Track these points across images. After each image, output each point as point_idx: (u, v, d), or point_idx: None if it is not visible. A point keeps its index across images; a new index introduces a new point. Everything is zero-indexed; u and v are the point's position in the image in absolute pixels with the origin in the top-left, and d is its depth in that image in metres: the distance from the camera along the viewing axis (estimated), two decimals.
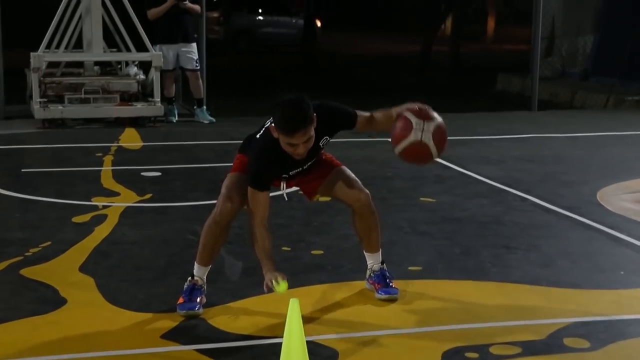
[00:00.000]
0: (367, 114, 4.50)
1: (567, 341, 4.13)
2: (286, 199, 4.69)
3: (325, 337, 4.11)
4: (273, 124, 4.17)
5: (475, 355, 3.94)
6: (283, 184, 4.53)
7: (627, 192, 7.23)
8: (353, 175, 4.63)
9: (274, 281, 4.02)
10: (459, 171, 8.05)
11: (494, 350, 4.01)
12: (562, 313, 4.50)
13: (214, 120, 10.90)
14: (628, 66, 13.51)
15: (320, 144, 4.37)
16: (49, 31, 10.39)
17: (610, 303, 4.67)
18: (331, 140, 4.43)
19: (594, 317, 4.45)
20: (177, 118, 10.93)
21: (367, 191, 4.59)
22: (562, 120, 11.57)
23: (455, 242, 5.79)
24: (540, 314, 4.49)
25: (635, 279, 5.05)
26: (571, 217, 6.42)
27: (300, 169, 4.44)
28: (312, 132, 4.14)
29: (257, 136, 4.40)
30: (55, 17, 10.46)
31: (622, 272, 5.17)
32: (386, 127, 4.44)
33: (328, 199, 4.88)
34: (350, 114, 4.45)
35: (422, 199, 6.95)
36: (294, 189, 4.80)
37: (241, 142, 4.60)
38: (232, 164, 4.53)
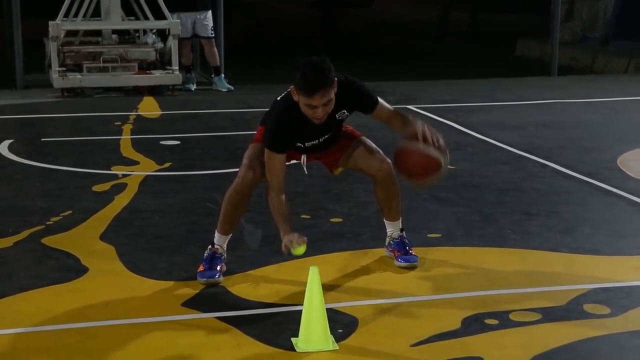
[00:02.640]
0: (388, 107, 4.47)
1: (587, 307, 4.12)
2: (306, 172, 4.68)
3: (345, 305, 4.12)
4: (294, 86, 4.16)
5: (495, 321, 3.95)
6: (304, 157, 4.53)
7: None
8: (374, 145, 4.62)
9: (292, 243, 4.03)
10: (478, 138, 8.02)
11: (513, 316, 4.01)
12: (583, 279, 4.49)
13: (232, 88, 10.89)
14: None
15: (338, 117, 4.36)
16: (66, 0, 10.38)
17: (631, 269, 4.66)
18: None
19: (614, 283, 4.43)
20: (195, 86, 10.93)
21: (389, 160, 4.57)
22: (581, 85, 11.49)
23: (475, 209, 5.78)
24: (560, 281, 4.49)
25: None
26: (591, 183, 6.39)
27: (317, 141, 4.42)
28: (332, 96, 4.12)
29: (278, 99, 4.40)
30: None
31: None
32: (398, 130, 4.45)
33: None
34: (372, 98, 4.43)
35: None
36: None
37: (260, 110, 4.60)
38: (250, 132, 4.53)
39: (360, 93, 4.40)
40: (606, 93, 10.66)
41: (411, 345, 3.72)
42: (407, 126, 4.36)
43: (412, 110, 9.35)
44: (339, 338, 3.76)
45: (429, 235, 5.18)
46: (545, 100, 10.16)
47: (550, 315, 4.04)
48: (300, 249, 4.04)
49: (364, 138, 4.64)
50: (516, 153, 7.39)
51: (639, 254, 4.88)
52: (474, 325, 3.92)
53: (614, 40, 14.44)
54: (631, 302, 4.19)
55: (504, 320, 3.97)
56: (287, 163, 4.37)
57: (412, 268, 4.63)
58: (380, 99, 4.46)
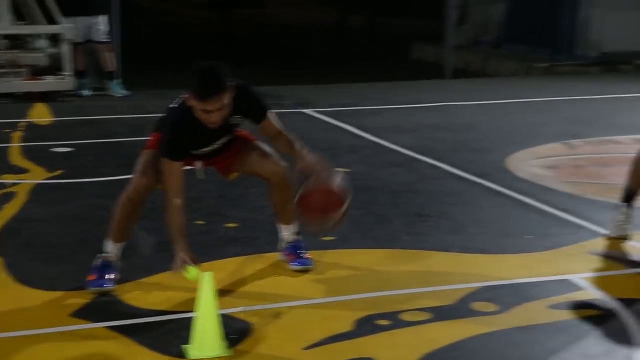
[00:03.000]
0: (278, 125, 4.47)
1: (476, 305, 4.23)
2: (202, 178, 4.65)
3: (239, 310, 4.13)
4: (188, 92, 4.14)
5: (386, 322, 4.01)
6: (199, 164, 4.51)
7: (535, 158, 7.40)
8: (269, 149, 4.63)
9: (182, 267, 4.03)
10: (373, 141, 8.12)
11: (404, 317, 4.08)
12: (472, 278, 4.61)
13: (128, 93, 10.75)
14: (538, 34, 13.76)
15: (233, 122, 4.36)
16: None
17: (517, 267, 4.80)
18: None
19: (501, 281, 4.56)
20: (90, 92, 10.74)
21: (284, 164, 4.59)
22: (474, 88, 11.76)
23: (369, 211, 5.85)
24: (450, 280, 4.59)
25: (541, 243, 5.19)
26: (481, 184, 6.56)
27: (212, 146, 4.41)
28: (227, 101, 4.12)
29: (172, 106, 4.37)
30: None
31: (530, 237, 5.31)
32: (282, 151, 4.46)
33: None
34: (264, 110, 4.44)
35: (337, 169, 6.98)
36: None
37: (157, 116, 4.57)
38: (146, 138, 4.49)
39: (254, 101, 4.41)
40: (497, 95, 10.93)
41: (304, 349, 3.75)
42: (295, 154, 4.36)
43: (309, 114, 9.42)
44: (232, 344, 3.76)
45: (323, 239, 5.22)
46: (439, 103, 10.36)
47: (440, 314, 4.13)
48: (193, 274, 4.02)
49: (259, 142, 4.65)
50: (410, 155, 7.52)
51: (524, 252, 5.04)
52: (366, 326, 3.98)
53: (506, 44, 14.80)
54: (517, 299, 4.32)
55: (395, 321, 4.04)
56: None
57: (307, 271, 4.66)
58: (271, 114, 4.47)
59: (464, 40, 15.16)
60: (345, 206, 4.28)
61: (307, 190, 4.26)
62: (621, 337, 3.88)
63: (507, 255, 5.02)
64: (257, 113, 4.43)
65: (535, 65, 13.40)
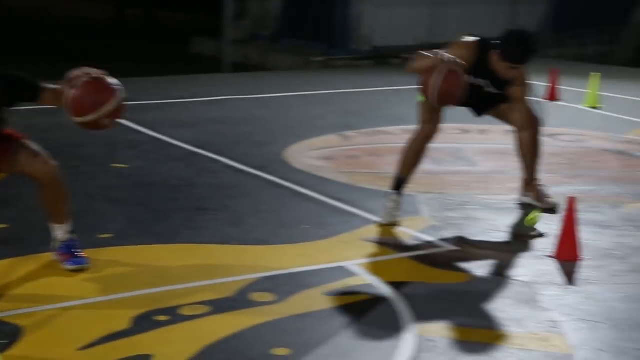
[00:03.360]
0: (54, 87, 4.34)
1: (254, 296, 4.29)
2: None
3: (9, 314, 3.96)
4: None
5: (165, 317, 3.98)
6: None
7: (311, 150, 7.59)
8: (37, 148, 4.47)
9: None
10: (152, 136, 8.02)
11: (183, 311, 4.07)
12: (250, 270, 4.66)
13: None
14: (314, 28, 14.10)
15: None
16: None
17: (294, 256, 4.91)
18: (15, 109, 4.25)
19: (279, 271, 4.65)
20: None
21: (54, 162, 4.45)
22: (253, 81, 11.87)
23: (148, 207, 5.79)
24: (230, 272, 4.62)
25: (318, 232, 5.33)
26: (260, 176, 6.64)
27: None
28: None
29: None
30: None
31: (306, 226, 5.44)
32: (59, 104, 4.34)
33: None
34: (35, 85, 4.29)
35: (114, 165, 6.86)
36: None
37: None
38: None
39: (18, 84, 4.25)
40: (275, 89, 11.09)
41: (78, 349, 3.65)
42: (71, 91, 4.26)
43: None
44: (2, 349, 3.60)
45: (100, 236, 5.11)
46: (218, 97, 10.38)
47: (219, 306, 4.15)
48: None
49: (26, 140, 4.48)
50: (190, 150, 7.49)
51: (301, 242, 5.16)
52: (144, 323, 3.93)
53: (283, 38, 15.07)
54: (294, 287, 4.42)
55: (174, 316, 4.02)
56: None
57: (82, 270, 4.54)
58: (44, 84, 4.33)
59: (242, 34, 15.29)
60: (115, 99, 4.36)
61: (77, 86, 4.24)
62: (391, 319, 4.06)
63: (285, 245, 5.12)
64: (29, 95, 4.27)
65: (312, 59, 13.73)
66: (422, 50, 5.32)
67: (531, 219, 5.50)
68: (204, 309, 4.11)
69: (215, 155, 7.26)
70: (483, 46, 5.40)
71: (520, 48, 5.25)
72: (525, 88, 5.55)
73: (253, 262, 4.80)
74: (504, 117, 5.72)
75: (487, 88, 5.49)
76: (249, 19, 16.09)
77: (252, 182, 6.50)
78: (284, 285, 4.44)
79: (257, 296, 4.29)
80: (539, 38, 14.45)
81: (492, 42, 5.40)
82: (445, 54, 5.15)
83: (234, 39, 13.38)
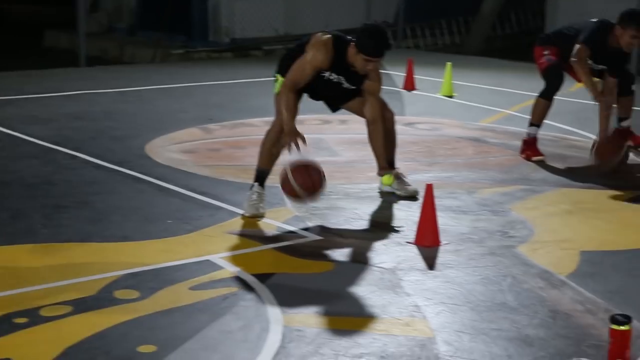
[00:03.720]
0: None
1: (118, 294, 4.22)
2: None
3: None
4: None
5: (24, 320, 3.87)
6: None
7: (173, 143, 7.51)
8: None
9: None
10: (6, 133, 7.76)
11: (44, 312, 3.96)
12: (113, 267, 4.58)
13: None
14: (172, 21, 13.93)
15: None
16: None
17: (159, 252, 4.85)
18: None
19: (143, 267, 4.59)
20: None
21: None
22: (111, 75, 11.63)
23: (4, 206, 5.60)
24: (92, 271, 4.53)
25: (182, 226, 5.29)
26: (121, 172, 6.53)
27: None
28: None
29: None
30: None
31: (170, 221, 5.39)
32: None
33: None
34: None
35: None
36: None
37: None
38: None
39: None
40: (135, 83, 10.91)
41: None
42: None
43: None
44: None
45: None
46: (76, 91, 10.12)
47: (81, 306, 4.06)
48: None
49: None
50: (47, 146, 7.28)
51: (165, 237, 5.11)
52: (2, 326, 3.81)
53: (140, 31, 14.83)
54: (159, 283, 4.37)
55: (34, 317, 3.91)
56: None
57: None
58: None
59: (97, 27, 14.96)
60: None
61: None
62: (257, 310, 4.08)
63: (149, 240, 5.06)
64: None
65: (171, 52, 13.57)
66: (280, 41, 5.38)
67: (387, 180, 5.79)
68: (65, 309, 4.01)
69: (74, 152, 7.09)
70: (339, 42, 5.50)
71: (375, 41, 5.40)
72: (379, 83, 5.72)
73: (116, 259, 4.72)
74: (357, 110, 5.87)
75: (344, 84, 5.61)
76: (103, 12, 15.75)
77: (113, 178, 6.39)
78: (149, 282, 4.39)
79: (120, 294, 4.22)
80: (393, 30, 14.77)
81: (348, 37, 5.52)
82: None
83: (90, 32, 13.06)
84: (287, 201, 5.55)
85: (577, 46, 6.83)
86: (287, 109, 5.39)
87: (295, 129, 5.36)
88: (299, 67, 5.46)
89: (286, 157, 5.45)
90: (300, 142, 5.32)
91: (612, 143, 6.83)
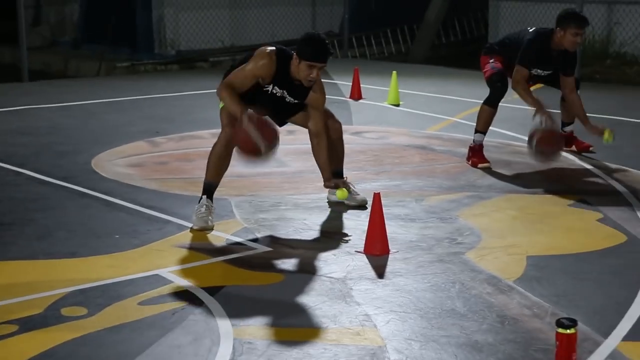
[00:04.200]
0: None
1: (65, 311, 4.17)
2: None
3: None
4: None
5: None
6: None
7: (120, 157, 7.45)
8: None
9: None
10: None
11: None
12: (60, 284, 4.52)
13: None
14: (116, 33, 13.84)
15: None
16: None
17: (106, 267, 4.81)
18: None
19: (91, 283, 4.54)
20: None
21: None
22: (56, 90, 11.51)
23: None
24: (38, 288, 4.46)
25: (129, 241, 5.25)
26: (67, 187, 6.46)
27: None
28: None
29: None
30: None
31: (117, 236, 5.34)
32: None
33: None
34: None
35: None
36: None
37: None
38: None
39: None
40: (80, 97, 10.79)
41: None
42: None
43: None
44: None
45: None
46: (20, 106, 9.99)
47: (28, 324, 4.00)
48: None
49: None
50: None
51: (112, 252, 5.06)
52: None
53: (84, 44, 14.70)
54: (107, 299, 4.33)
55: None
56: None
57: None
58: None
59: (40, 40, 14.80)
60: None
61: None
62: (207, 324, 4.06)
63: (97, 256, 5.01)
64: None
65: (116, 65, 13.47)
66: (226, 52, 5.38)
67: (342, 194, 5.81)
68: (11, 328, 3.95)
69: (18, 168, 7.00)
70: (282, 55, 5.52)
71: (314, 45, 5.42)
72: (322, 96, 5.75)
73: (63, 276, 4.67)
74: (302, 124, 5.90)
75: (287, 97, 5.63)
76: (47, 25, 15.59)
77: (59, 194, 6.31)
78: (96, 298, 4.34)
79: (68, 311, 4.17)
80: (339, 39, 14.84)
81: (291, 51, 5.56)
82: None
83: (33, 46, 12.91)
84: (240, 210, 5.53)
85: (515, 68, 6.95)
86: (234, 99, 5.34)
87: (248, 118, 5.29)
88: (239, 72, 5.47)
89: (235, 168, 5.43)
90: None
91: (556, 133, 6.93)
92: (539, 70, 7.09)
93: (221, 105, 5.59)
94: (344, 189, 5.86)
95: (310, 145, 5.96)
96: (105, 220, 5.70)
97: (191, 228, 5.48)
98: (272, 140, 5.22)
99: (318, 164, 5.93)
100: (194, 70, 13.65)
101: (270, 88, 5.55)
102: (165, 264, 4.88)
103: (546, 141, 6.67)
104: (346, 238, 5.36)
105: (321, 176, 5.98)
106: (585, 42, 12.80)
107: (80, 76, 13.31)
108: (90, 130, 8.69)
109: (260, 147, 5.18)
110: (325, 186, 5.97)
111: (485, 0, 15.69)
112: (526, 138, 6.84)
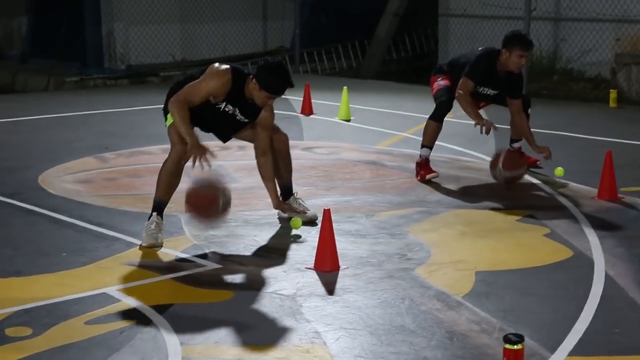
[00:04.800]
0: None
1: (10, 331, 4.10)
2: None
3: None
4: None
5: None
6: None
7: (68, 174, 7.37)
8: None
9: None
10: None
11: None
12: (5, 303, 4.45)
13: None
14: (65, 48, 13.70)
15: None
16: None
17: (53, 286, 4.74)
18: None
19: (36, 302, 4.47)
20: None
21: None
22: (3, 104, 11.35)
23: None
24: None
25: (77, 259, 5.18)
26: (13, 204, 6.37)
27: None
28: None
29: None
30: None
31: (65, 254, 5.27)
32: None
33: None
34: None
35: None
36: None
37: None
38: None
39: None
40: (27, 112, 10.66)
41: None
42: None
43: None
44: None
45: None
46: None
47: None
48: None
49: None
50: None
51: (59, 270, 4.99)
52: None
53: (33, 58, 14.53)
54: (53, 319, 4.27)
55: None
56: None
57: None
58: None
59: None
60: None
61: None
62: (156, 343, 4.02)
63: (43, 275, 4.94)
64: None
65: (65, 80, 13.34)
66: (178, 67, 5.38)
67: (295, 223, 5.75)
68: None
69: None
70: (237, 74, 5.52)
71: (278, 79, 5.45)
72: (272, 115, 5.76)
73: (7, 295, 4.59)
74: (249, 139, 5.89)
75: (238, 116, 5.63)
76: None
77: (5, 211, 6.22)
78: (42, 317, 4.28)
79: (12, 331, 4.10)
80: (290, 54, 14.88)
81: (246, 71, 5.58)
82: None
83: None
84: (189, 227, 5.51)
85: (462, 79, 7.05)
86: (185, 122, 5.36)
87: (199, 142, 5.33)
88: (192, 88, 5.45)
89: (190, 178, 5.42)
90: (207, 156, 5.31)
91: (518, 156, 7.08)
92: (486, 89, 7.18)
93: (168, 122, 5.57)
94: (297, 219, 5.82)
95: None
96: (52, 237, 5.63)
97: (140, 245, 5.43)
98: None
99: (265, 185, 5.89)
100: (144, 85, 13.57)
101: (222, 105, 5.54)
102: (113, 282, 4.82)
103: (510, 164, 6.82)
104: (296, 254, 5.35)
105: None
106: (532, 59, 12.98)
107: (28, 91, 13.15)
108: (38, 146, 8.59)
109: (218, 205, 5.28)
110: (275, 207, 5.95)
111: (435, 16, 15.84)
112: (474, 152, 6.91)
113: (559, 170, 7.09)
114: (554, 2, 13.30)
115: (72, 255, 5.25)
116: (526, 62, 7.19)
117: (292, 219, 5.83)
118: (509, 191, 6.94)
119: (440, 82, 7.27)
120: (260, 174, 5.89)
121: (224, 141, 6.02)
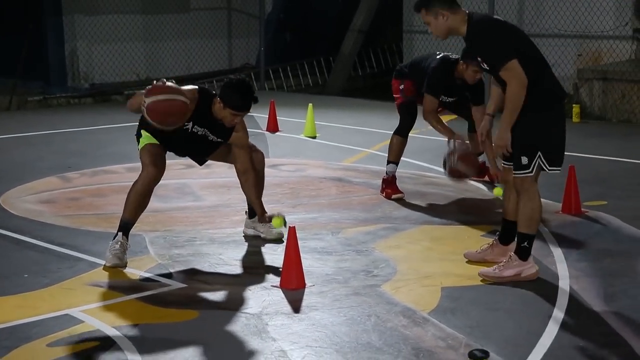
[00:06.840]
0: None
1: None
2: None
3: None
4: None
5: None
6: None
7: (30, 194, 7.28)
8: None
9: None
10: None
11: None
12: None
13: None
14: (27, 66, 13.56)
15: None
16: None
17: (14, 308, 4.67)
18: None
19: None
20: None
21: None
22: None
23: None
24: None
25: (39, 280, 5.12)
26: None
27: None
28: None
29: None
30: None
31: (26, 275, 5.20)
32: None
33: None
34: None
35: None
36: None
37: None
38: None
39: None
40: None
41: None
42: None
43: None
44: None
45: None
46: None
47: None
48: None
49: None
50: None
51: (21, 292, 4.92)
52: None
53: None
54: (15, 341, 4.20)
55: None
56: None
57: None
58: None
59: None
60: None
61: None
62: None
63: (5, 297, 4.87)
64: None
65: (28, 99, 13.21)
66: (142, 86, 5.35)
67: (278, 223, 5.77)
68: None
69: None
70: (204, 94, 5.50)
71: (242, 95, 5.45)
72: (245, 134, 5.75)
73: None
74: (223, 159, 5.88)
75: (210, 136, 5.60)
76: None
77: None
78: (3, 340, 4.21)
79: None
80: (256, 72, 14.87)
81: (213, 91, 5.57)
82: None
83: None
84: (154, 247, 5.46)
85: (425, 97, 7.08)
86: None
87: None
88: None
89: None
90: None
91: (476, 158, 7.12)
92: (443, 97, 7.24)
93: (141, 145, 5.53)
94: (278, 216, 5.82)
95: (227, 179, 5.92)
96: (14, 259, 5.56)
97: (104, 265, 5.37)
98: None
99: (249, 201, 5.91)
100: (108, 104, 13.47)
101: (190, 126, 5.51)
102: (76, 302, 4.76)
103: (466, 160, 6.86)
104: (262, 273, 5.32)
105: (237, 210, 5.94)
106: None
107: None
108: (0, 166, 8.48)
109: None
110: (260, 221, 5.92)
111: (399, 32, 15.91)
112: (439, 168, 6.92)
113: (498, 190, 6.79)
114: (516, 18, 13.39)
115: (35, 277, 5.18)
116: (480, 77, 7.23)
117: (273, 218, 5.81)
118: (474, 206, 6.97)
119: (404, 93, 7.28)
120: (245, 192, 5.87)
121: (200, 164, 6.00)
